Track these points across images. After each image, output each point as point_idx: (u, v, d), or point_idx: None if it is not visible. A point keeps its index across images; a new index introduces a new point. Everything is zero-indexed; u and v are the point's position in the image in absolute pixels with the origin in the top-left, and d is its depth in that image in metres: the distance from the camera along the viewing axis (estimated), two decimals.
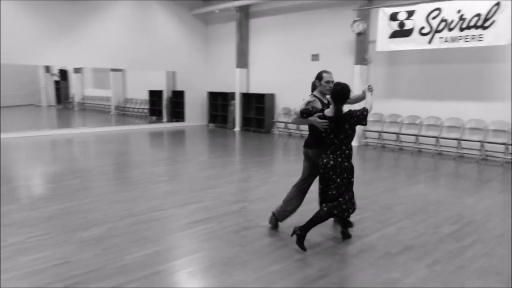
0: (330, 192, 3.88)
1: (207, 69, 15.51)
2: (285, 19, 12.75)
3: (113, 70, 19.60)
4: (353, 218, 4.52)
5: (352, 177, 3.98)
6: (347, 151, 3.87)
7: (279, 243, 4.01)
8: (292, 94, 12.68)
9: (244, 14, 13.49)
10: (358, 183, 6.66)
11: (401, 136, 10.05)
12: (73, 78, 23.77)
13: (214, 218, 4.74)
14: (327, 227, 4.41)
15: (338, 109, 3.78)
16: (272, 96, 13.23)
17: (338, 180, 3.83)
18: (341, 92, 3.80)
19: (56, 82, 24.28)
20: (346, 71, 10.95)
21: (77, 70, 23.67)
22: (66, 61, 13.32)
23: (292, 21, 12.52)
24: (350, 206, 3.90)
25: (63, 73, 24.50)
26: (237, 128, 13.95)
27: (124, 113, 19.58)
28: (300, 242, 3.81)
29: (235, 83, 13.93)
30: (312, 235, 4.03)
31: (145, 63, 13.93)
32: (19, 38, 11.34)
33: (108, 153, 9.42)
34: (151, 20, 13.94)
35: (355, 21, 10.38)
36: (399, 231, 4.39)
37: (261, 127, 13.33)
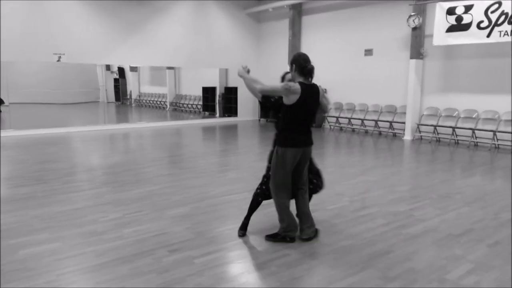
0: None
1: (259, 66, 16.02)
2: (338, 15, 12.98)
3: (169, 68, 20.68)
4: (411, 205, 4.84)
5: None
6: None
7: (348, 223, 4.40)
8: (344, 89, 12.92)
9: (297, 12, 13.84)
10: (412, 175, 6.91)
11: (456, 130, 10.05)
12: (129, 76, 25.22)
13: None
14: (387, 214, 4.74)
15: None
16: (324, 91, 13.48)
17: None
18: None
19: (115, 80, 25.82)
20: (400, 66, 11.05)
21: (133, 69, 25.05)
22: (129, 60, 14.24)
23: (345, 17, 12.73)
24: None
25: (121, 71, 26.01)
26: None
27: (178, 108, 20.56)
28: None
29: None
30: (376, 217, 4.39)
31: (200, 61, 14.66)
32: (87, 38, 12.33)
33: (171, 145, 10.17)
34: (207, 20, 14.63)
35: (411, 15, 10.46)
36: (458, 216, 4.65)
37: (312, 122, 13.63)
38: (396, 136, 11.32)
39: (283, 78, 4.09)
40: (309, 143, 3.91)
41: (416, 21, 10.41)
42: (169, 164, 7.78)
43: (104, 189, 5.79)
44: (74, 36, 11.97)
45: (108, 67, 24.88)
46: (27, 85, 22.44)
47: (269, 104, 3.96)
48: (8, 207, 4.90)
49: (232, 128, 13.89)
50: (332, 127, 13.26)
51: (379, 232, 4.18)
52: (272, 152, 3.98)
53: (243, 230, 4.12)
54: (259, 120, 15.87)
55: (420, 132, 10.87)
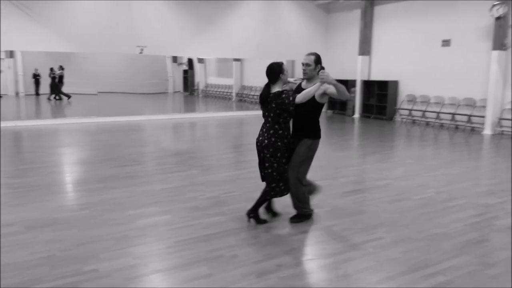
0: (266, 171, 3.96)
1: (326, 57, 15.93)
2: (412, 4, 12.64)
3: (235, 60, 21.22)
4: (502, 198, 4.78)
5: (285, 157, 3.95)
6: (280, 131, 3.88)
7: (437, 213, 4.47)
8: (418, 81, 12.60)
9: (370, 2, 13.65)
10: (497, 169, 6.70)
11: None
12: (197, 67, 26.17)
13: (365, 190, 5.37)
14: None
15: (265, 87, 3.93)
16: (395, 83, 13.26)
17: (272, 159, 3.87)
18: (268, 71, 3.87)
19: (184, 71, 26.92)
20: (481, 57, 10.60)
21: (201, 60, 25.98)
22: (202, 53, 14.83)
23: (421, 6, 12.36)
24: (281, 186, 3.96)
25: (190, 63, 27.08)
26: (356, 115, 14.27)
27: (243, 99, 21.04)
28: (259, 221, 4.09)
29: (356, 70, 14.24)
30: (466, 209, 4.41)
31: (268, 53, 14.89)
32: (166, 32, 12.99)
33: (242, 133, 10.58)
34: (276, 12, 14.84)
35: (494, 5, 9.97)
36: None
37: (382, 114, 13.47)
38: (474, 131, 10.90)
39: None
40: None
41: (501, 10, 9.90)
42: (247, 151, 8.17)
43: (195, 171, 6.27)
44: (154, 29, 12.70)
45: (175, 59, 26.03)
46: (106, 76, 24.15)
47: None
48: (118, 183, 5.51)
49: None
50: (404, 119, 13.01)
51: (470, 222, 4.21)
52: (277, 148, 3.89)
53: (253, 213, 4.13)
54: (326, 111, 15.89)
55: (501, 126, 10.38)
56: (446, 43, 11.70)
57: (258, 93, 20.24)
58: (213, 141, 9.42)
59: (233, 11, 14.03)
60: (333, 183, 5.71)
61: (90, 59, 22.18)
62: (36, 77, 22.04)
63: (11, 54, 22.24)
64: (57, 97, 19.38)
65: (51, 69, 19.54)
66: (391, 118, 13.34)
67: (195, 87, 26.51)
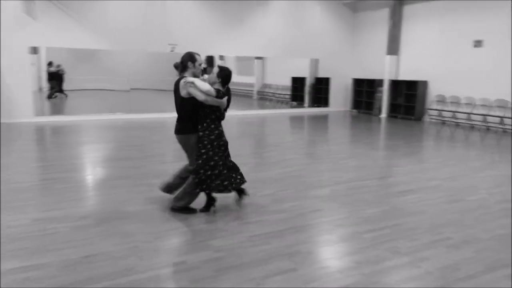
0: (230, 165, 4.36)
1: (353, 56, 16.00)
2: (443, 4, 12.58)
3: (257, 58, 21.27)
4: None
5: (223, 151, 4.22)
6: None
7: (495, 214, 4.50)
8: (448, 81, 12.56)
9: (399, 1, 13.61)
10: None
11: None
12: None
13: (417, 191, 5.40)
14: None
15: (227, 89, 4.24)
16: (425, 83, 13.22)
17: (203, 151, 4.11)
18: (230, 76, 4.24)
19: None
20: None
21: (221, 58, 26.10)
22: (230, 50, 14.82)
23: (452, 6, 12.30)
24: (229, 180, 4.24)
25: (210, 60, 27.21)
26: (383, 115, 14.26)
27: (263, 97, 21.10)
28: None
29: (383, 69, 14.22)
30: None
31: (294, 51, 14.97)
32: (196, 29, 13.12)
33: (277, 132, 10.65)
34: (303, 11, 14.89)
35: None
36: None
37: (410, 114, 13.45)
38: (506, 132, 10.84)
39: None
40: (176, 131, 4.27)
41: None
42: (286, 149, 8.25)
43: (245, 168, 6.32)
44: (185, 28, 12.84)
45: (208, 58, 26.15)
46: (132, 73, 24.41)
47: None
48: None
49: (325, 118, 14.11)
50: (433, 120, 12.97)
51: None
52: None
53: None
54: (351, 111, 15.90)
55: None
56: (478, 43, 11.64)
57: (279, 91, 20.38)
58: (247, 139, 9.51)
59: (260, 10, 14.11)
60: (382, 183, 5.77)
61: (118, 55, 22.43)
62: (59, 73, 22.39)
63: (35, 50, 22.58)
64: (54, 95, 19.41)
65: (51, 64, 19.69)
66: (419, 119, 13.31)
67: None
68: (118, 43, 12.11)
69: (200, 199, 4.38)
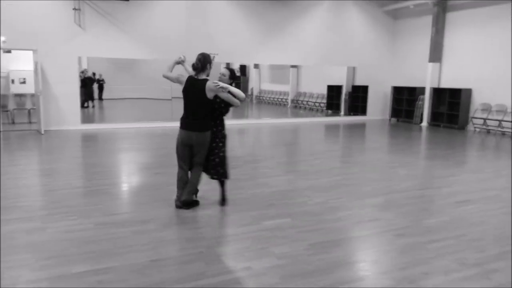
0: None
1: (392, 64, 15.73)
2: (487, 11, 12.23)
3: (292, 66, 21.30)
4: None
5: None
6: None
7: None
8: (493, 89, 12.14)
9: (442, 8, 13.32)
10: None
11: None
12: (253, 73, 26.46)
13: (476, 201, 5.21)
14: None
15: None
16: (469, 91, 12.82)
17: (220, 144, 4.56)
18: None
19: (237, 77, 27.31)
20: None
21: (256, 66, 26.25)
22: (269, 59, 14.86)
23: (496, 13, 11.94)
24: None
25: (243, 69, 27.44)
26: (424, 123, 13.91)
27: (298, 106, 21.03)
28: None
29: (425, 77, 13.90)
30: None
31: (333, 59, 14.88)
32: (235, 39, 13.23)
33: (319, 140, 10.58)
34: (342, 19, 14.79)
35: None
36: None
37: (453, 122, 13.06)
38: None
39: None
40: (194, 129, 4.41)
41: None
42: (330, 158, 8.18)
43: (292, 176, 6.36)
44: (226, 36, 13.00)
45: (227, 65, 26.44)
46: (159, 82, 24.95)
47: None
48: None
49: (363, 126, 13.89)
50: (477, 129, 12.53)
51: None
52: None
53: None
54: (389, 119, 15.60)
55: None
56: None
57: (314, 100, 20.27)
58: (290, 147, 9.50)
59: (300, 18, 14.13)
60: (438, 193, 5.62)
61: (159, 64, 23.01)
62: (100, 82, 23.16)
63: (79, 60, 23.50)
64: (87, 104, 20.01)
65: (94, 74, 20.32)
66: (463, 127, 12.89)
67: (249, 93, 26.82)
68: (160, 52, 12.41)
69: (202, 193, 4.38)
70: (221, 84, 4.20)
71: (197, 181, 4.59)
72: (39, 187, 5.59)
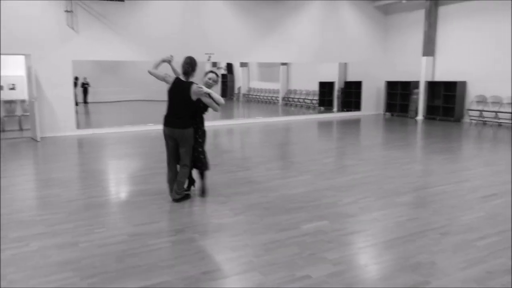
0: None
1: (385, 59, 15.81)
2: (480, 4, 12.39)
3: (283, 64, 21.19)
4: None
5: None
6: None
7: None
8: (488, 82, 12.32)
9: (434, 2, 13.44)
10: None
11: None
12: (239, 72, 26.22)
13: (502, 195, 5.22)
14: None
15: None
16: (463, 83, 12.99)
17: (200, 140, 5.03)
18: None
19: (223, 76, 26.98)
20: None
21: (243, 64, 26.00)
22: (262, 58, 14.70)
23: (489, 6, 12.11)
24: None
25: (229, 67, 27.16)
26: (419, 117, 14.04)
27: (289, 103, 20.93)
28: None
29: (420, 71, 14.02)
30: None
31: (323, 56, 14.84)
32: (230, 38, 13.03)
33: (321, 138, 10.51)
34: (335, 16, 14.77)
35: None
36: None
37: (449, 115, 13.21)
38: None
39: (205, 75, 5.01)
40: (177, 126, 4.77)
41: None
42: (341, 155, 8.13)
43: (308, 176, 6.25)
44: (221, 36, 12.79)
45: (214, 64, 26.09)
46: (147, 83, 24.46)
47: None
48: (244, 189, 5.53)
49: (358, 122, 13.92)
50: (473, 121, 12.71)
51: None
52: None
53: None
54: (384, 114, 15.69)
55: None
56: None
57: (304, 97, 20.20)
58: (294, 146, 9.41)
59: (291, 16, 14.03)
60: (460, 188, 5.60)
61: (141, 65, 22.52)
62: (85, 86, 22.55)
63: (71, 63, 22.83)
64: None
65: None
66: (459, 120, 13.07)
67: (236, 92, 26.59)
68: (155, 53, 12.11)
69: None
70: (205, 89, 4.63)
71: (184, 180, 4.92)
72: (53, 198, 5.32)
